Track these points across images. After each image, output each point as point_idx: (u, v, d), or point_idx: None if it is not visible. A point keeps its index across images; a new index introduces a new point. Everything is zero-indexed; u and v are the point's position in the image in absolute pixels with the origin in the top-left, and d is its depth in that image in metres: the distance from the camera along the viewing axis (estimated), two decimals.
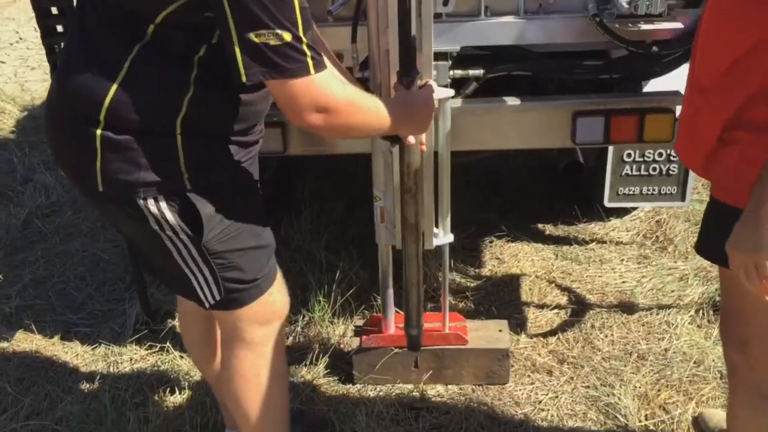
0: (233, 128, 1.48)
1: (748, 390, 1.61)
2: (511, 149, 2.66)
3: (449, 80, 2.16)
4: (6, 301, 2.90)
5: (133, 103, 1.37)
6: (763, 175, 1.30)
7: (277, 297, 1.68)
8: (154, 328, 2.65)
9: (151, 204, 1.43)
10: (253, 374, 1.69)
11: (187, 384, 2.42)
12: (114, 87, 1.36)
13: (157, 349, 2.57)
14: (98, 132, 1.39)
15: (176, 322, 2.71)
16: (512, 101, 2.19)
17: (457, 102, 2.16)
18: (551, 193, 3.51)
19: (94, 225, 3.49)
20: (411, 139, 1.89)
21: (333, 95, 1.38)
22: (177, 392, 2.38)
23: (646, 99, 2.19)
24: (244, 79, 1.30)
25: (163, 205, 1.43)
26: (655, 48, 2.06)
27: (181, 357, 2.53)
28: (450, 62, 2.14)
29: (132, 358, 2.56)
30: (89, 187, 1.46)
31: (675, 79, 2.30)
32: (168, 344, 2.56)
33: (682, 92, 2.19)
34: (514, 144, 2.30)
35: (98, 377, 2.46)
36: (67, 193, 3.82)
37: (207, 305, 1.59)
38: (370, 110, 1.48)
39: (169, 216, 1.44)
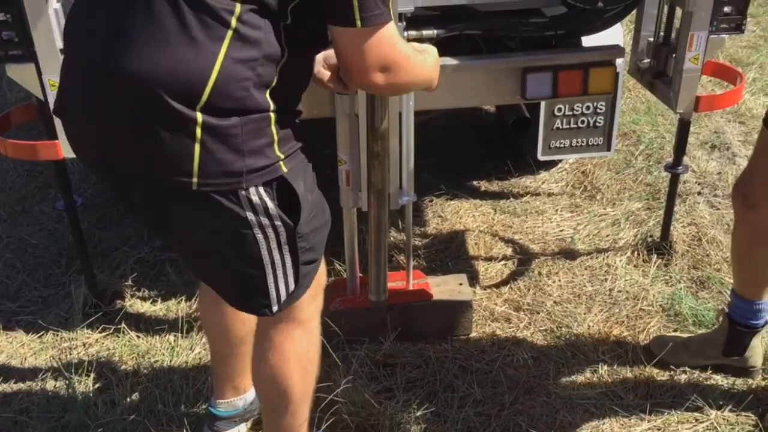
0: (300, 98, 1.41)
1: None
2: (464, 107, 2.73)
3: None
4: None
5: (239, 76, 1.22)
6: None
7: (322, 269, 1.64)
8: (106, 311, 2.54)
9: (253, 193, 1.31)
10: (304, 352, 1.64)
11: (149, 364, 2.35)
12: (220, 58, 1.20)
13: (111, 331, 2.48)
14: (199, 118, 1.22)
15: (127, 302, 2.62)
16: (468, 60, 2.23)
17: None
18: (481, 150, 3.63)
19: (12, 209, 3.28)
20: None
21: (400, 50, 1.33)
22: (140, 373, 2.32)
23: (590, 54, 2.30)
24: (359, 24, 1.24)
25: (263, 192, 1.33)
26: (600, 3, 2.16)
27: (138, 337, 2.46)
28: (404, 23, 2.15)
29: (85, 342, 2.45)
30: (172, 188, 1.29)
31: (612, 34, 2.44)
32: (123, 325, 2.48)
33: (622, 45, 2.35)
34: (468, 102, 2.36)
35: (53, 365, 2.35)
36: None
37: (276, 307, 1.49)
38: (421, 65, 1.48)
39: (270, 204, 1.34)
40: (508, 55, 2.30)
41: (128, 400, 2.20)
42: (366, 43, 1.30)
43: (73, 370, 2.29)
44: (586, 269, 2.75)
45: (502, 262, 2.83)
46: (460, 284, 2.48)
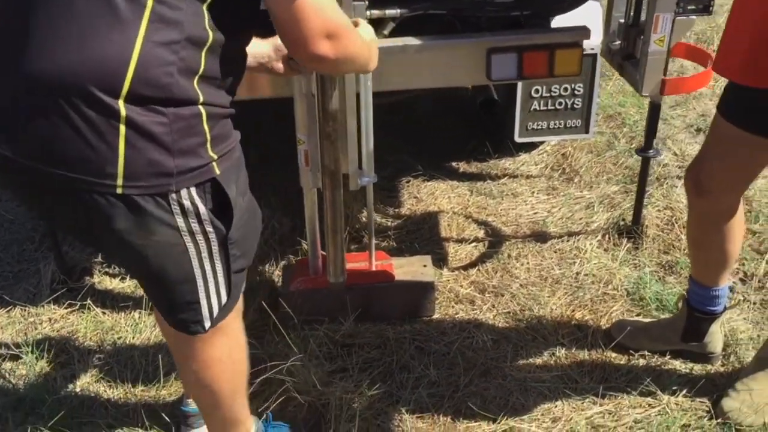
0: (233, 96, 1.35)
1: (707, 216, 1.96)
2: (429, 88, 2.69)
3: (366, 20, 2.16)
4: None
5: (162, 60, 1.16)
6: None
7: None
8: (72, 287, 2.56)
9: (185, 197, 1.25)
10: (227, 356, 1.60)
11: (112, 340, 2.37)
12: (139, 41, 1.14)
13: (77, 307, 2.50)
14: (122, 111, 1.16)
15: (95, 279, 2.64)
16: (431, 40, 2.21)
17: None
18: (463, 131, 3.60)
19: None
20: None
21: (341, 14, 1.30)
22: (103, 349, 2.34)
23: (556, 35, 2.26)
24: None
25: (195, 195, 1.27)
26: None
27: (104, 313, 2.48)
28: (366, 2, 2.13)
29: (51, 318, 2.48)
30: (94, 192, 1.21)
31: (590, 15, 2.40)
32: (88, 301, 2.50)
33: (589, 27, 2.31)
34: (432, 82, 2.34)
35: (17, 340, 2.38)
36: None
37: (208, 323, 1.45)
38: (360, 39, 1.44)
39: (201, 207, 1.28)
40: (473, 36, 2.27)
41: (88, 375, 2.23)
42: (306, 7, 1.24)
43: (35, 346, 2.31)
44: (555, 252, 2.74)
45: (473, 244, 2.82)
46: (424, 266, 2.47)
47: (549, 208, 3.02)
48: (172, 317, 1.48)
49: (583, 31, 2.25)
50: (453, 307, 2.49)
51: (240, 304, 1.61)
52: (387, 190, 3.17)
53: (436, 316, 2.44)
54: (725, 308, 2.18)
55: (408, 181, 3.24)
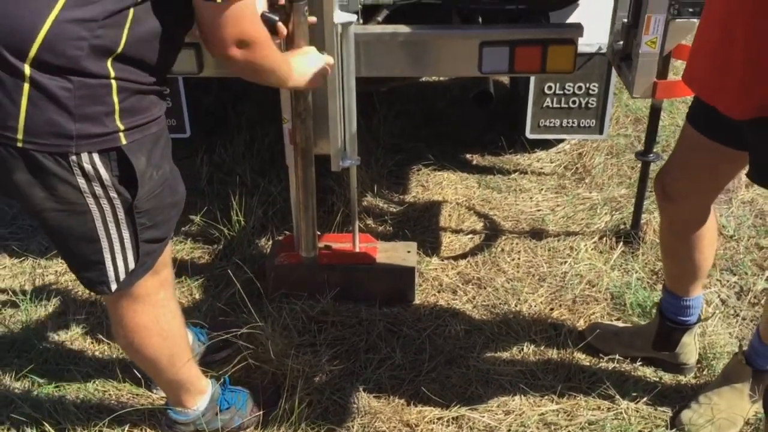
0: (160, 76, 1.43)
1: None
2: (422, 77, 2.72)
3: (360, 6, 2.21)
4: None
5: (73, 35, 1.23)
6: None
7: (167, 248, 1.66)
8: None
9: (86, 161, 1.33)
10: (152, 323, 1.68)
11: None
12: (53, 15, 1.22)
13: None
14: (27, 71, 1.25)
15: None
16: (422, 29, 2.24)
17: (362, 28, 2.20)
18: (482, 124, 3.60)
19: None
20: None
21: (258, 29, 1.40)
22: (98, 304, 2.48)
23: (549, 30, 2.26)
24: None
25: (98, 160, 1.34)
26: None
27: None
28: None
29: (57, 270, 2.65)
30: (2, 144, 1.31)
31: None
32: None
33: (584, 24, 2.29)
34: (423, 72, 2.37)
35: (22, 288, 2.55)
36: None
37: (115, 286, 1.52)
38: (282, 57, 1.55)
39: (104, 173, 1.36)
40: (465, 27, 2.29)
41: (79, 326, 2.38)
42: (225, 17, 1.35)
43: (36, 294, 2.48)
44: (548, 250, 2.72)
45: (469, 236, 2.83)
46: (408, 252, 2.52)
47: (553, 207, 3.00)
48: (80, 275, 1.58)
49: (578, 28, 2.24)
50: (434, 295, 2.52)
51: (167, 276, 1.70)
52: (396, 176, 3.22)
53: (415, 302, 2.48)
54: (699, 319, 2.14)
55: (418, 170, 3.27)
